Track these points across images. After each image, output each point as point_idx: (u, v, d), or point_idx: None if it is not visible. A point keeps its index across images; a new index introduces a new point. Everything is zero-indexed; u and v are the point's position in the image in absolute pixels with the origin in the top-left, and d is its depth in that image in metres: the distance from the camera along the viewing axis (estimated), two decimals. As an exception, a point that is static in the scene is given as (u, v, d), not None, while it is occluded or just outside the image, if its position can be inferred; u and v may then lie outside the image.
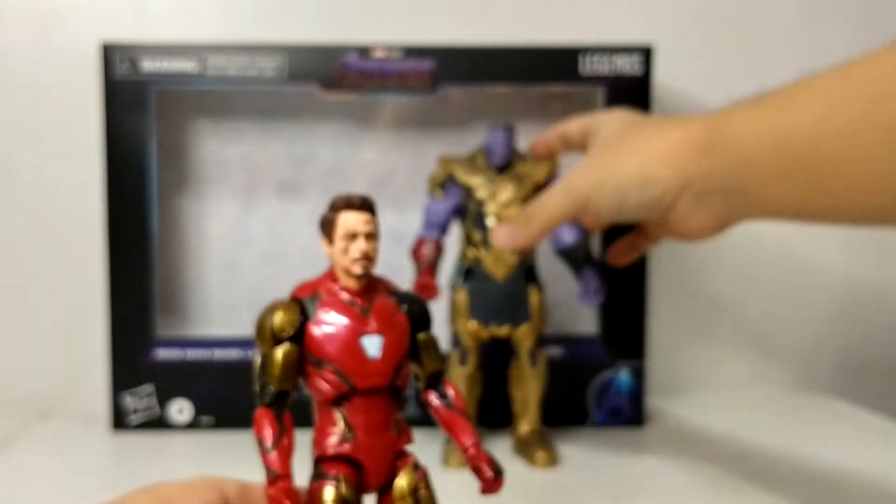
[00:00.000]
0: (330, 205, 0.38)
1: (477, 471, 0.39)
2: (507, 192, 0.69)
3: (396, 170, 0.85)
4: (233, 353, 0.77)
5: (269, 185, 0.85)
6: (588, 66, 0.76)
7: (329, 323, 0.36)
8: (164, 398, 0.76)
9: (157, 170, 0.76)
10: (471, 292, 0.70)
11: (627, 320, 0.78)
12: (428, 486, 0.38)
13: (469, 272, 0.71)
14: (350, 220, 0.37)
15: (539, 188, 0.69)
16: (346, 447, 0.36)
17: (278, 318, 0.36)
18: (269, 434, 0.36)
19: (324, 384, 0.36)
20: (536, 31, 0.83)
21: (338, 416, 0.37)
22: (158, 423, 0.76)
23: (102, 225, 0.77)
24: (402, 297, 0.39)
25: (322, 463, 0.37)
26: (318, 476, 0.36)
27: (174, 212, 0.84)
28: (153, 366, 0.76)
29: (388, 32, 0.81)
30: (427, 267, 0.68)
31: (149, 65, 0.75)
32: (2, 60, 0.83)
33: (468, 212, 0.71)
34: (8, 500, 0.60)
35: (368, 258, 0.37)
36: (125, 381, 0.76)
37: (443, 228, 0.71)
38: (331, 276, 0.38)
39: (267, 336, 0.37)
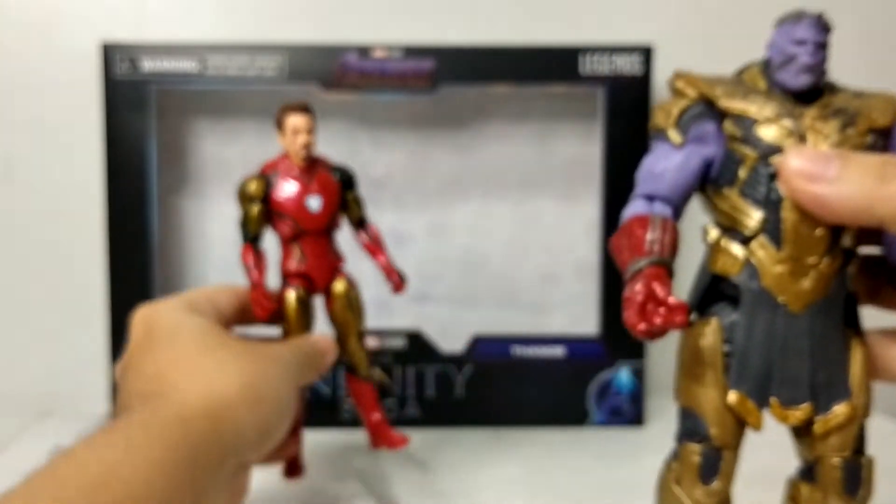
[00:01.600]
0: (280, 108, 0.55)
1: (388, 275, 0.59)
2: (825, 134, 0.39)
3: (396, 170, 0.85)
4: (233, 353, 0.77)
5: (270, 184, 0.85)
6: (588, 65, 0.76)
7: (285, 189, 0.55)
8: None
9: (157, 170, 0.76)
10: (730, 333, 0.41)
11: (627, 320, 0.78)
12: (355, 289, 0.58)
13: (722, 292, 0.41)
14: (294, 121, 0.54)
15: (881, 135, 0.40)
16: (302, 267, 0.56)
17: (252, 186, 0.55)
18: (250, 259, 0.56)
19: (285, 228, 0.56)
20: (536, 30, 0.83)
21: (295, 248, 0.56)
22: (158, 422, 0.76)
23: (102, 225, 0.77)
24: (335, 169, 0.58)
25: (287, 278, 0.57)
26: (284, 285, 0.57)
27: (174, 212, 0.84)
28: (153, 366, 0.76)
29: (388, 32, 0.81)
30: (654, 270, 0.38)
31: (149, 65, 0.75)
32: (2, 60, 0.83)
33: (729, 172, 0.40)
34: None
35: (307, 146, 0.55)
36: (125, 380, 0.76)
37: (680, 199, 0.41)
38: (286, 157, 0.56)
39: (245, 198, 0.55)
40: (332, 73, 0.76)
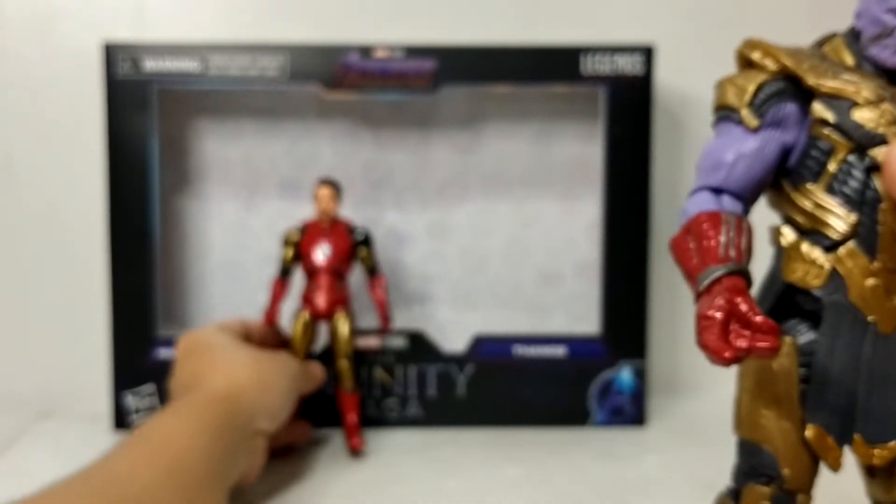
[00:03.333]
0: (316, 182, 0.75)
1: (380, 313, 0.75)
2: None
3: (397, 170, 0.85)
4: (234, 353, 0.77)
5: (271, 184, 0.85)
6: (589, 65, 0.76)
7: (308, 240, 0.74)
8: (165, 398, 0.76)
9: (158, 169, 0.76)
10: (807, 356, 0.35)
11: (629, 320, 0.78)
12: (350, 323, 0.74)
13: (798, 305, 0.36)
14: (321, 192, 0.74)
15: None
16: (312, 297, 0.73)
17: (290, 235, 0.74)
18: (275, 290, 0.75)
19: (305, 267, 0.74)
20: (537, 30, 0.83)
21: (311, 283, 0.74)
22: (159, 422, 0.76)
23: (104, 224, 0.77)
24: (353, 229, 0.75)
25: (303, 302, 0.74)
26: (301, 308, 0.73)
27: (175, 211, 0.84)
28: (154, 365, 0.76)
29: (390, 32, 0.81)
30: (734, 281, 0.32)
31: (151, 64, 0.75)
32: (3, 60, 0.83)
33: (815, 163, 0.35)
34: (8, 501, 0.60)
35: (327, 211, 0.73)
36: (126, 380, 0.76)
37: (752, 195, 0.36)
38: (317, 216, 0.75)
39: (285, 242, 0.74)
40: (333, 73, 0.76)
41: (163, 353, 0.76)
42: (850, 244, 0.33)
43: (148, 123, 0.75)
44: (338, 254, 0.74)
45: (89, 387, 0.82)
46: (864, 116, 0.33)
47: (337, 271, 0.74)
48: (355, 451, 0.71)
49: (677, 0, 0.87)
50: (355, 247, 0.75)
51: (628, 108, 0.77)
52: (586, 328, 0.82)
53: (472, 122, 0.85)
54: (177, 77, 0.75)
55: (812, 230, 0.34)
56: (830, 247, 0.34)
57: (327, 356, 0.74)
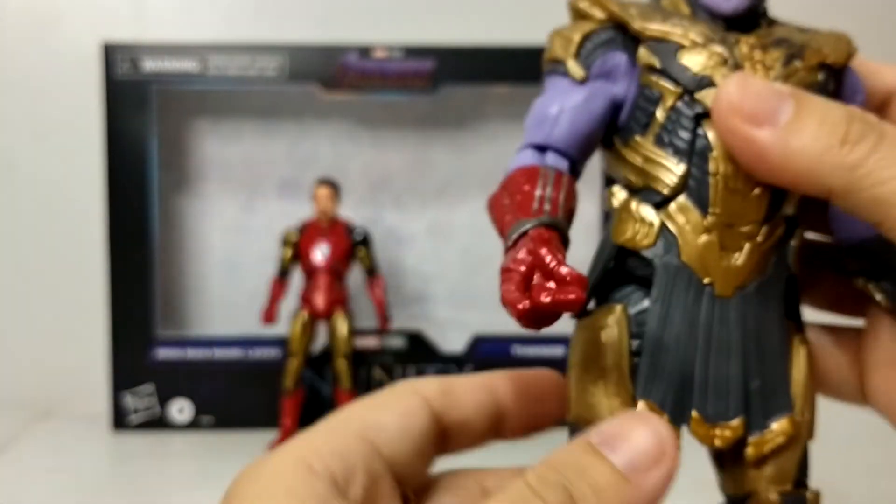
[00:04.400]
0: (315, 182, 0.76)
1: (379, 312, 0.77)
2: (767, 65, 0.30)
3: (396, 170, 0.85)
4: (233, 353, 0.77)
5: (270, 184, 0.85)
6: (588, 66, 0.76)
7: (306, 240, 0.74)
8: (164, 398, 0.76)
9: (157, 169, 0.76)
10: (639, 325, 0.31)
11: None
12: (349, 323, 0.74)
13: (630, 271, 0.32)
14: (319, 192, 0.74)
15: (833, 74, 0.32)
16: (310, 296, 0.74)
17: (289, 235, 0.75)
18: (273, 290, 0.75)
19: (304, 267, 0.75)
20: (536, 30, 0.83)
21: (309, 282, 0.75)
22: (159, 422, 0.76)
23: (103, 224, 0.77)
24: (352, 230, 0.76)
25: (302, 301, 0.74)
26: (300, 307, 0.74)
27: (175, 211, 0.84)
28: (153, 365, 0.76)
29: (389, 32, 0.81)
30: (543, 233, 0.28)
31: (150, 65, 0.75)
32: (2, 60, 0.83)
33: (643, 113, 0.31)
34: (8, 501, 0.60)
35: (325, 211, 0.74)
36: (125, 380, 0.76)
37: (579, 151, 0.32)
38: (316, 216, 0.76)
39: (284, 243, 0.75)
40: (332, 74, 0.76)
41: (162, 353, 0.76)
42: (681, 199, 0.30)
43: (147, 124, 0.75)
44: (336, 254, 0.75)
45: (88, 387, 0.82)
46: (691, 59, 0.30)
47: (336, 271, 0.75)
48: None
49: (677, 0, 0.87)
50: (354, 247, 0.75)
51: (627, 109, 0.77)
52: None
53: (472, 122, 0.85)
54: (176, 77, 0.75)
55: (644, 187, 0.31)
56: (660, 202, 0.30)
57: (326, 356, 0.75)
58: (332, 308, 0.74)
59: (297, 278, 0.76)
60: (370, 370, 0.77)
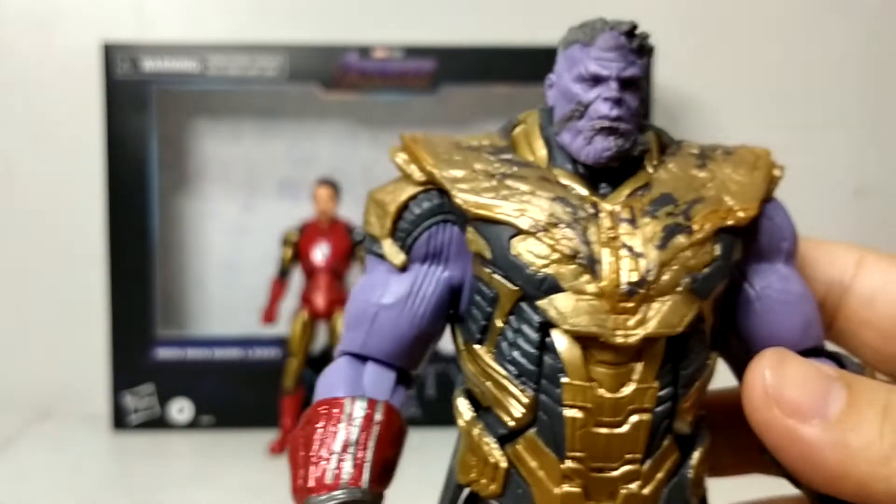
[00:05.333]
0: (315, 182, 0.76)
1: None
2: (638, 250, 0.23)
3: (395, 170, 0.85)
4: (233, 353, 0.77)
5: (270, 184, 0.85)
6: (588, 66, 0.76)
7: (306, 240, 0.75)
8: (164, 397, 0.76)
9: (157, 169, 0.76)
10: None
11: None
12: None
13: None
14: (319, 192, 0.75)
15: (736, 235, 0.24)
16: (310, 296, 0.75)
17: (289, 235, 0.76)
18: (274, 290, 0.76)
19: (304, 267, 0.75)
20: (536, 30, 0.83)
21: (309, 282, 0.75)
22: (159, 422, 0.76)
23: (103, 224, 0.77)
24: (353, 229, 0.76)
25: (302, 301, 0.75)
26: (300, 307, 0.75)
27: (174, 211, 0.84)
28: (153, 365, 0.76)
29: (389, 32, 0.81)
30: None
31: (150, 65, 0.75)
32: (3, 60, 0.83)
33: (480, 313, 0.24)
34: (8, 500, 0.60)
35: (325, 211, 0.74)
36: (125, 380, 0.76)
37: (409, 357, 0.25)
38: (317, 216, 0.77)
39: (284, 243, 0.75)
40: (332, 74, 0.76)
41: (162, 353, 0.76)
42: (531, 433, 0.23)
43: (147, 123, 0.75)
44: (337, 254, 0.75)
45: (88, 387, 0.82)
46: (529, 250, 0.22)
47: (336, 271, 0.75)
48: None
49: (676, 1, 0.87)
50: (354, 246, 0.76)
51: (627, 109, 0.77)
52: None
53: (472, 122, 0.85)
54: (176, 77, 0.75)
55: (488, 408, 0.24)
56: (506, 436, 0.23)
57: (326, 356, 0.75)
58: (333, 308, 0.74)
59: (297, 278, 0.76)
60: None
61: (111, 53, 0.75)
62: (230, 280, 0.85)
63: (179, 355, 0.76)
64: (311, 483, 0.22)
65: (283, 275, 0.76)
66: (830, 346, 0.27)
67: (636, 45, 0.26)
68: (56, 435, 0.76)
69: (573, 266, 0.22)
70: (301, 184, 0.83)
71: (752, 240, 0.24)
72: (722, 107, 0.86)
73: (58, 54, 0.83)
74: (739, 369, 0.24)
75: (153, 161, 0.76)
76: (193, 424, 0.77)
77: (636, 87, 0.25)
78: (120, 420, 0.76)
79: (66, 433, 0.76)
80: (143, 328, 0.76)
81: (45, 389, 0.84)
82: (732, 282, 0.24)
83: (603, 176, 0.23)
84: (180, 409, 0.77)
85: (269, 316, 0.75)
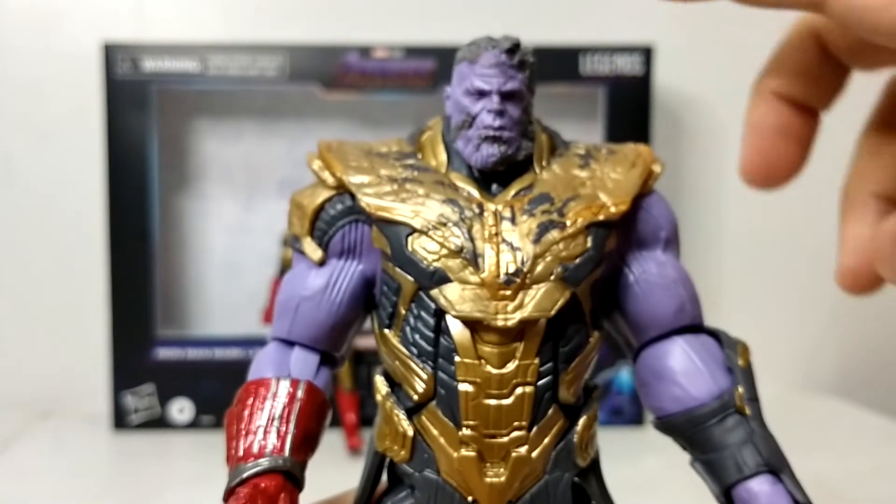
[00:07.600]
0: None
1: None
2: (515, 244, 0.27)
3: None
4: (234, 353, 0.77)
5: (270, 184, 0.85)
6: (589, 65, 0.76)
7: None
8: (164, 398, 0.76)
9: (158, 169, 0.76)
10: None
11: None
12: None
13: (400, 475, 0.30)
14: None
15: (609, 228, 0.29)
16: None
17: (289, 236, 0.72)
18: (274, 294, 0.65)
19: None
20: (537, 30, 0.83)
21: None
22: (159, 422, 0.76)
23: (103, 224, 0.77)
24: None
25: None
26: None
27: (175, 211, 0.84)
28: (154, 365, 0.76)
29: (389, 32, 0.81)
30: (261, 485, 0.27)
31: (150, 64, 0.75)
32: (3, 60, 0.83)
33: (388, 303, 0.29)
34: (8, 500, 0.60)
35: None
36: (126, 380, 0.76)
37: (331, 342, 0.30)
38: None
39: (285, 244, 0.68)
40: (333, 73, 0.76)
41: (162, 353, 0.76)
42: (432, 405, 0.27)
43: (147, 123, 0.75)
44: None
45: (89, 387, 0.82)
46: (422, 247, 0.27)
47: None
48: (354, 450, 0.71)
49: (677, 0, 0.87)
50: None
51: (628, 109, 0.77)
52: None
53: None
54: (176, 77, 0.75)
55: (399, 384, 0.28)
56: (413, 409, 0.28)
57: None
58: None
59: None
60: (370, 370, 0.77)
61: (111, 53, 0.75)
62: (230, 280, 0.85)
63: (180, 355, 0.77)
64: (241, 453, 0.26)
65: (283, 275, 0.76)
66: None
67: (517, 61, 0.28)
68: (56, 435, 0.76)
69: (459, 260, 0.26)
70: (301, 184, 0.83)
71: (632, 230, 0.29)
72: (722, 107, 0.86)
73: (58, 54, 0.83)
74: (626, 345, 0.32)
75: (153, 161, 0.76)
76: (194, 424, 0.77)
77: (518, 98, 0.28)
78: (120, 420, 0.76)
79: (66, 433, 0.76)
80: (144, 328, 0.76)
81: (45, 389, 0.84)
82: (616, 268, 0.29)
83: (494, 178, 0.28)
84: (181, 409, 0.77)
85: (270, 316, 0.75)
